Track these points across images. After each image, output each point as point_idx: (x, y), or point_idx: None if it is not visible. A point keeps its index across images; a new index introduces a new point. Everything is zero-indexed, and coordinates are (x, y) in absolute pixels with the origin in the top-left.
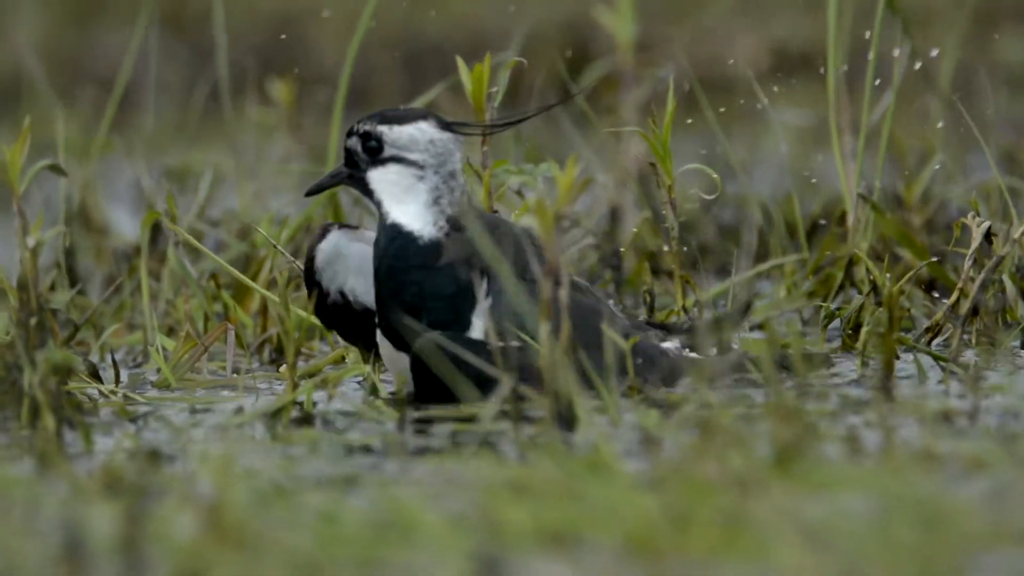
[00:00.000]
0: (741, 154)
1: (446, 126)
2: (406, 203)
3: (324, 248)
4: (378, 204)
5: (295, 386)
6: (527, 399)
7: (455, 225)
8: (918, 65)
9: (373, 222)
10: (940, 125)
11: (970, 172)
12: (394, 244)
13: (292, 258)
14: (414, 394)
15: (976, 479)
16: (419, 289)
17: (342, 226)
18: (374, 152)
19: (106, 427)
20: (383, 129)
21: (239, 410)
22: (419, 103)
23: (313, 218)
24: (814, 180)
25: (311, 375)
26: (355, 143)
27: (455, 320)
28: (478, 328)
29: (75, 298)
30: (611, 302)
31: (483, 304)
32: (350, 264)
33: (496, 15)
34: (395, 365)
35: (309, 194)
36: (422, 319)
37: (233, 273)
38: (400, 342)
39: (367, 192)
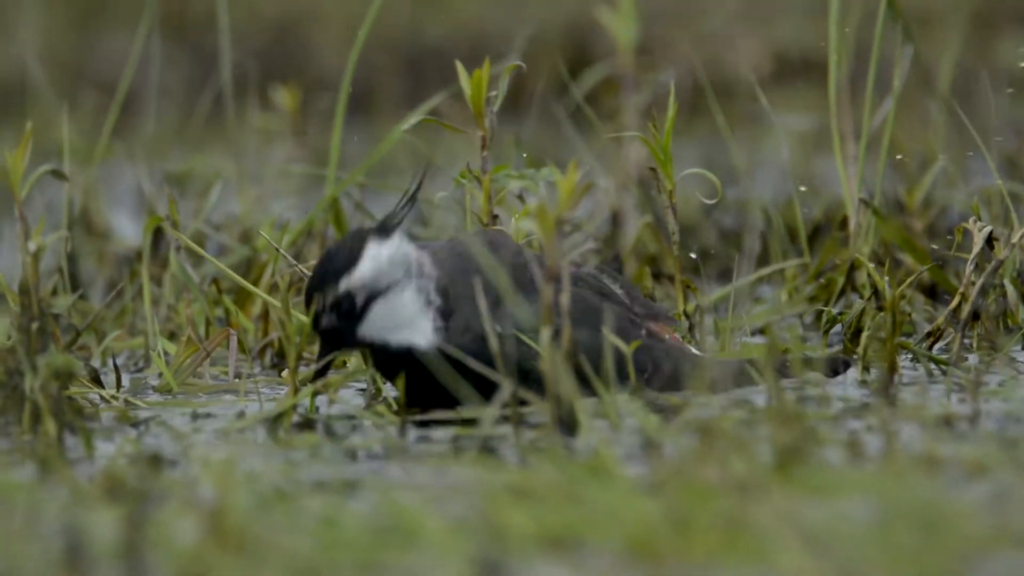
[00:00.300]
0: (742, 158)
1: (383, 231)
2: (404, 326)
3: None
4: (382, 345)
5: (296, 390)
6: (528, 403)
7: (445, 312)
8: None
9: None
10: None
11: (971, 177)
12: (407, 365)
13: (294, 261)
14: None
15: (977, 483)
16: (437, 382)
17: None
18: (351, 311)
19: (107, 432)
20: (345, 282)
21: (240, 415)
22: (420, 111)
23: (315, 223)
24: (804, 188)
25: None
26: (331, 319)
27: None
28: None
29: (77, 303)
30: (620, 288)
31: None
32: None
33: (497, 19)
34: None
35: (316, 379)
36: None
37: (234, 278)
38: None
39: (362, 344)
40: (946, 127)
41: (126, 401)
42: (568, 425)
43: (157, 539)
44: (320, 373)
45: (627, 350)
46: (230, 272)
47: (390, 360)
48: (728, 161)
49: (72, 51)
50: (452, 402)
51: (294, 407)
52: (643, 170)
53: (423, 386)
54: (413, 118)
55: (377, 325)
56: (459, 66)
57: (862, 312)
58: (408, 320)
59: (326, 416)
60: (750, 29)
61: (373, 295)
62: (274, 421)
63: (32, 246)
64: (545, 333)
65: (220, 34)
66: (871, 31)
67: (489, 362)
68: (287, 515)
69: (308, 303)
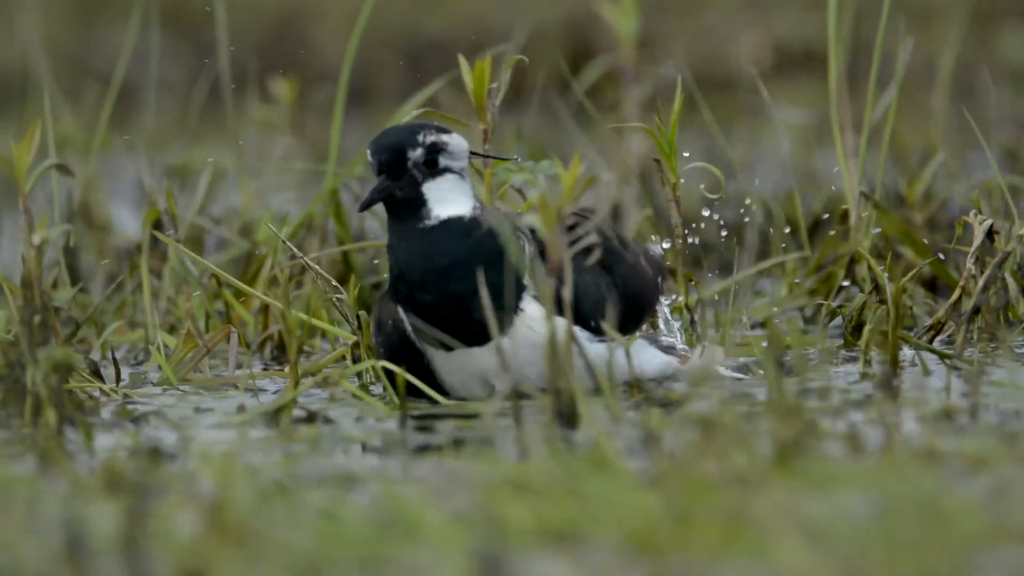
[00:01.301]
0: (743, 152)
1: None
2: (455, 204)
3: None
4: (425, 212)
5: (297, 384)
6: (529, 397)
7: (482, 204)
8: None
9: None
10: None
11: (972, 170)
12: (444, 234)
13: (299, 252)
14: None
15: (977, 477)
16: (469, 257)
17: None
18: (432, 164)
19: (107, 425)
20: (447, 139)
21: (240, 408)
22: (419, 99)
23: (314, 216)
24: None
25: (312, 373)
26: (419, 155)
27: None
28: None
29: (77, 296)
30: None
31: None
32: None
33: (498, 12)
34: (445, 365)
35: (363, 208)
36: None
37: (232, 281)
38: (477, 335)
39: (415, 202)
40: (947, 120)
41: (125, 395)
42: (569, 418)
43: (157, 532)
44: (367, 205)
45: (627, 344)
46: (223, 273)
47: (428, 231)
48: (728, 154)
49: (73, 44)
50: (463, 296)
51: (294, 400)
52: (645, 163)
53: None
54: (413, 107)
55: (443, 189)
56: (461, 60)
57: (863, 305)
58: (456, 200)
59: (326, 410)
60: (750, 22)
61: (450, 168)
62: (274, 415)
63: (36, 239)
64: (550, 325)
65: (219, 27)
66: (871, 24)
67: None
68: (287, 509)
69: (397, 141)
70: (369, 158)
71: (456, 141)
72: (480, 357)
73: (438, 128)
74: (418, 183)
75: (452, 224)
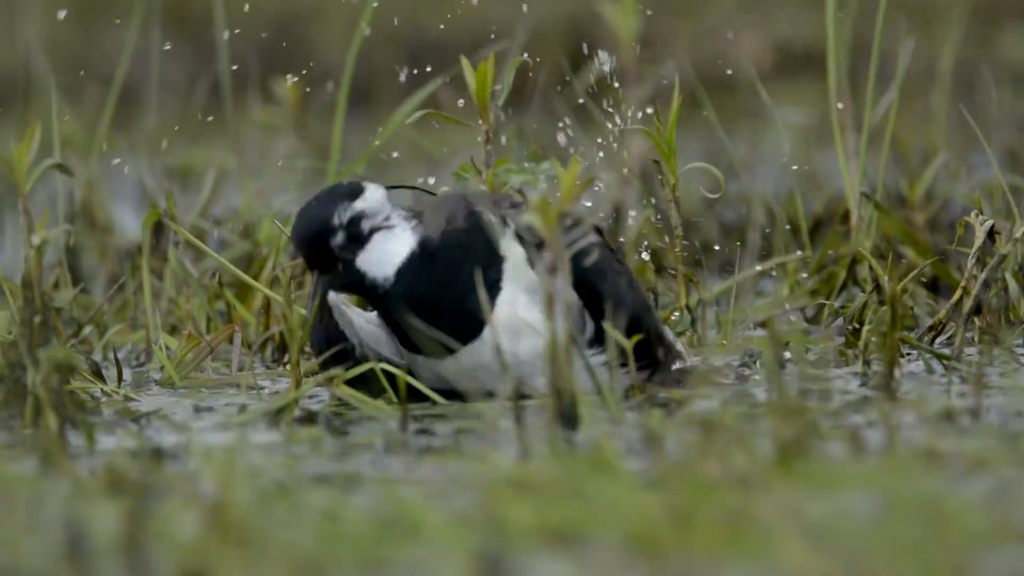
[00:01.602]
0: (744, 152)
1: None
2: (395, 254)
3: (335, 309)
4: (371, 283)
5: (298, 384)
6: (530, 397)
7: (416, 214)
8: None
9: None
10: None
11: (973, 170)
12: (403, 285)
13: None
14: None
15: (979, 478)
16: (436, 281)
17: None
18: (357, 237)
19: (109, 426)
20: (360, 204)
21: (242, 409)
22: (418, 98)
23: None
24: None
25: (314, 373)
26: (341, 238)
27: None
28: (516, 253)
29: (78, 297)
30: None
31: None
32: (355, 323)
33: (499, 12)
34: (424, 371)
35: (312, 310)
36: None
37: (236, 273)
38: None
39: (357, 281)
40: (948, 121)
41: (126, 397)
42: (570, 419)
43: (158, 533)
44: (316, 307)
45: (629, 345)
46: (230, 266)
47: (386, 294)
48: (729, 154)
49: (75, 44)
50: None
51: (296, 401)
52: (645, 163)
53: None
54: (414, 106)
55: (373, 258)
56: (464, 61)
57: (864, 306)
58: (395, 250)
59: (327, 410)
60: (751, 23)
61: (375, 228)
62: (275, 415)
63: (36, 240)
64: (549, 325)
65: (218, 27)
66: (872, 24)
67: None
68: (288, 509)
69: (303, 237)
70: (293, 250)
71: (370, 195)
72: (456, 363)
73: (350, 189)
74: (351, 262)
75: (402, 275)
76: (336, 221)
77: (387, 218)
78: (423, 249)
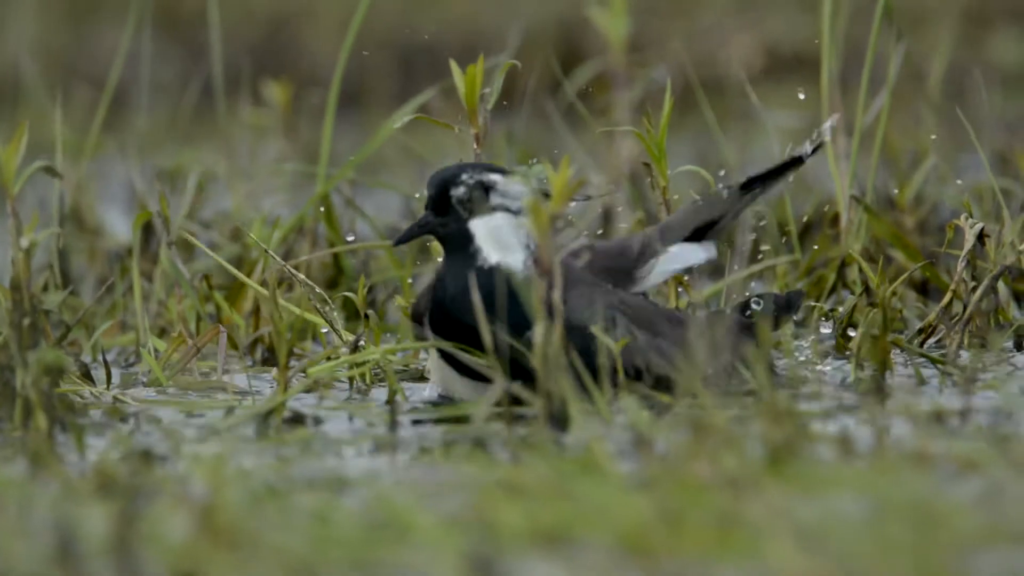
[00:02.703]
0: (734, 155)
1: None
2: (508, 249)
3: None
4: (474, 250)
5: (287, 387)
6: (520, 400)
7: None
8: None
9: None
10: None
11: (963, 173)
12: (498, 282)
13: (282, 262)
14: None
15: (968, 480)
16: (520, 314)
17: None
18: (482, 199)
19: (98, 428)
20: (497, 178)
21: (231, 411)
22: (412, 105)
23: (306, 220)
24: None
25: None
26: (463, 192)
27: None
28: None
29: (67, 299)
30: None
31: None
32: None
33: (489, 15)
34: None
35: (398, 243)
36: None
37: (230, 270)
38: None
39: (463, 239)
40: (938, 123)
41: (115, 399)
42: (560, 421)
43: (148, 535)
44: (408, 237)
45: (616, 348)
46: (226, 264)
47: (471, 271)
48: (720, 157)
49: (65, 46)
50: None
51: (284, 403)
52: (635, 166)
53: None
54: (404, 115)
55: (484, 232)
56: (453, 64)
57: (853, 309)
58: (508, 245)
59: (317, 412)
60: (741, 25)
61: (505, 207)
62: (265, 417)
63: (24, 242)
64: (538, 330)
65: (211, 30)
66: (862, 27)
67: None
68: (279, 511)
69: (443, 179)
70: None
71: (512, 182)
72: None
73: (492, 168)
74: (463, 219)
75: (501, 272)
76: (465, 176)
77: (519, 211)
78: (526, 278)
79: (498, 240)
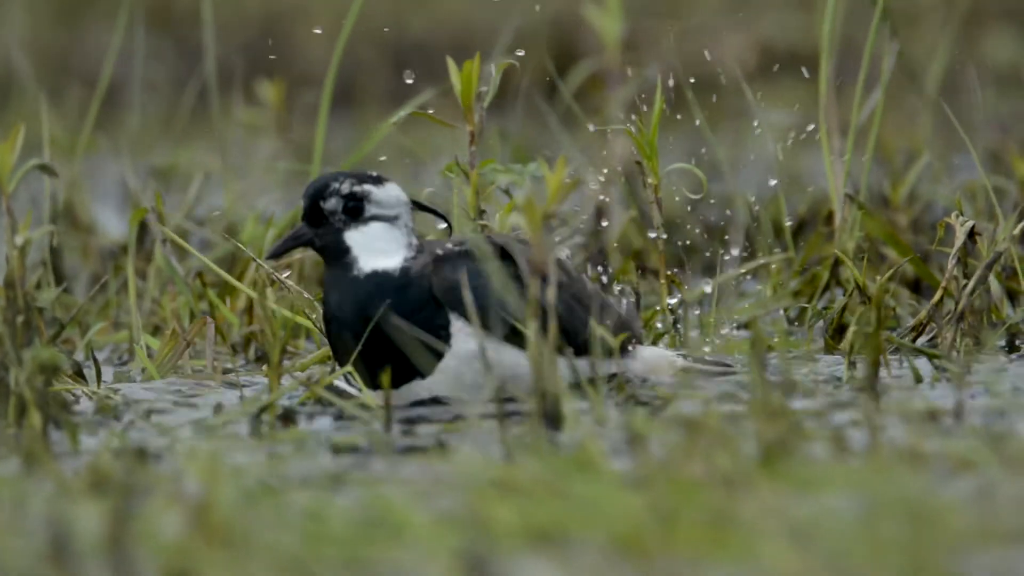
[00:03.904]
0: (727, 153)
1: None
2: (385, 254)
3: None
4: (351, 260)
5: (279, 384)
6: (514, 398)
7: (419, 249)
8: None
9: None
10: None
11: (956, 172)
12: (371, 286)
13: (270, 269)
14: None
15: (962, 478)
16: (399, 308)
17: None
18: (355, 212)
19: (92, 426)
20: (370, 189)
21: (225, 409)
22: (410, 106)
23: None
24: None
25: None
26: (336, 204)
27: (442, 325)
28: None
29: (61, 296)
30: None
31: (467, 290)
32: None
33: (482, 13)
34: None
35: (272, 257)
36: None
37: (219, 273)
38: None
39: (339, 250)
40: (932, 122)
41: (108, 396)
42: (554, 420)
43: (142, 533)
44: (283, 250)
45: (615, 343)
46: (216, 267)
47: (348, 281)
48: (713, 156)
49: (58, 44)
50: (395, 359)
51: (276, 401)
52: (628, 164)
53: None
54: (400, 113)
55: (359, 242)
56: (450, 62)
57: (844, 307)
58: (385, 251)
59: (310, 410)
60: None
61: (379, 216)
62: (258, 415)
63: (19, 240)
64: (531, 327)
65: (205, 29)
66: (855, 26)
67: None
68: (273, 509)
69: (314, 191)
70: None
71: (386, 191)
72: (418, 391)
73: (370, 177)
74: (339, 231)
75: (379, 277)
76: (335, 187)
77: (396, 217)
78: (404, 274)
79: (373, 249)
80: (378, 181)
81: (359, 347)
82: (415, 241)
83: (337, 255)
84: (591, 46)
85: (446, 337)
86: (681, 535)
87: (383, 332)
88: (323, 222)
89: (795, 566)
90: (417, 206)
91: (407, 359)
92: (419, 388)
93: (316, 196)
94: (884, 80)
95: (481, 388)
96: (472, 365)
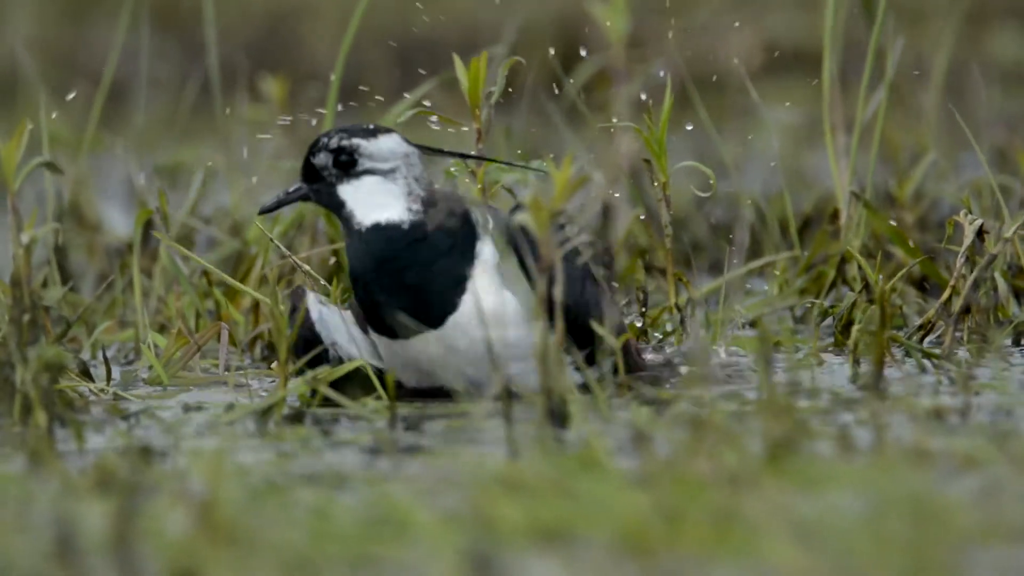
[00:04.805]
0: (733, 151)
1: (409, 143)
2: (383, 207)
3: (313, 309)
4: (348, 215)
5: (286, 383)
6: (519, 396)
7: (428, 202)
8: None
9: None
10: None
11: (962, 170)
12: (378, 241)
13: (287, 251)
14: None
15: (968, 476)
16: (414, 260)
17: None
18: (347, 167)
19: (98, 424)
20: (359, 143)
21: (231, 407)
22: (412, 99)
23: (304, 215)
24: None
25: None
26: (325, 159)
27: (462, 274)
28: (488, 254)
29: (67, 295)
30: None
31: (486, 232)
32: (331, 323)
33: (488, 10)
34: (396, 359)
35: (264, 212)
36: (428, 293)
37: (222, 276)
38: (398, 331)
39: (335, 205)
40: (937, 120)
41: (115, 395)
42: (559, 417)
43: (148, 531)
44: (277, 204)
45: (617, 344)
46: (216, 270)
47: (351, 236)
48: (719, 154)
49: (63, 42)
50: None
51: (284, 400)
52: (635, 162)
53: (370, 267)
54: (406, 109)
55: (363, 192)
56: (456, 59)
57: (853, 305)
58: (383, 204)
59: (316, 409)
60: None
61: (373, 170)
62: (264, 414)
63: (25, 238)
64: (538, 327)
65: (208, 26)
66: (861, 23)
67: (468, 239)
68: (278, 507)
69: (311, 147)
70: None
71: (378, 144)
72: (426, 346)
73: (362, 130)
74: (332, 185)
75: (388, 230)
76: (324, 142)
77: (392, 170)
78: (404, 226)
79: (369, 203)
80: (371, 134)
81: (372, 296)
82: (421, 192)
83: (335, 209)
84: (597, 43)
85: (461, 292)
86: (687, 533)
87: (398, 280)
88: (318, 178)
89: (801, 564)
90: (427, 150)
91: (420, 308)
92: (428, 343)
93: (308, 152)
94: (888, 78)
95: (485, 357)
96: (484, 323)
